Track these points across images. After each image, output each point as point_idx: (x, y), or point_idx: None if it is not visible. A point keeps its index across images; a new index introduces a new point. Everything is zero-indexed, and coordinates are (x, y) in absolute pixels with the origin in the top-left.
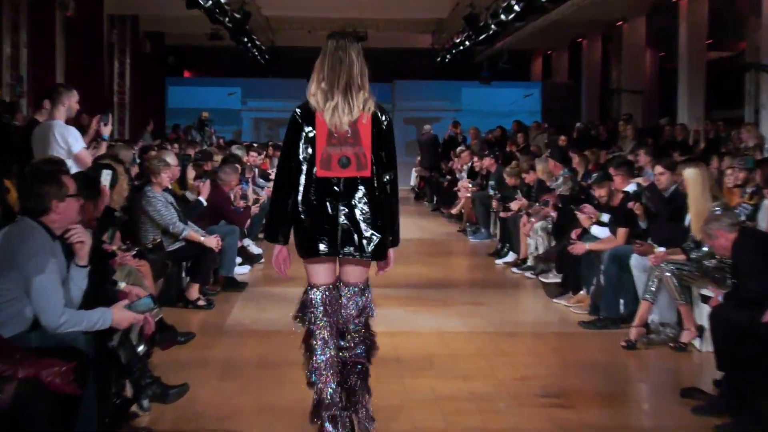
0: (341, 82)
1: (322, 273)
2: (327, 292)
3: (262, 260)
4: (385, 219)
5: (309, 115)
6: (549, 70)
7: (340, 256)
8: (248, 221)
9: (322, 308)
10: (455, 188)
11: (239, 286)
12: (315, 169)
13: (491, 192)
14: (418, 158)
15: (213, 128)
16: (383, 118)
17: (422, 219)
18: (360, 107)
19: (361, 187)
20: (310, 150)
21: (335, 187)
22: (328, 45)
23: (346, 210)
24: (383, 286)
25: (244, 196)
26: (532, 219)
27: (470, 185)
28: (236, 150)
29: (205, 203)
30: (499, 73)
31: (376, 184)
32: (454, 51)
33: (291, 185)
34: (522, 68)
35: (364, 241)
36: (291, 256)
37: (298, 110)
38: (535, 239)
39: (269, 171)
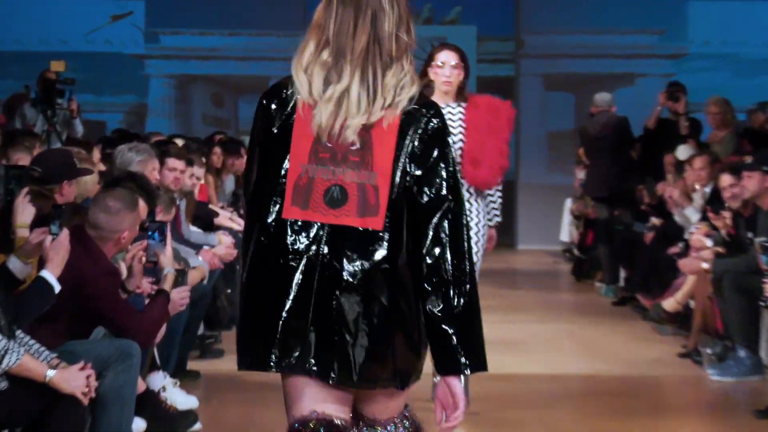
0: (357, 48)
1: (313, 395)
2: None
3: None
4: (448, 321)
5: (286, 105)
6: None
7: (296, 369)
8: (162, 326)
9: None
10: (671, 248)
11: None
12: (280, 204)
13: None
14: (579, 176)
15: (74, 98)
16: (425, 115)
17: (590, 323)
18: (386, 101)
19: (364, 250)
20: (278, 167)
21: (311, 245)
22: None
23: (329, 293)
24: None
25: (152, 263)
26: None
27: (708, 243)
28: (134, 159)
29: (57, 287)
30: None
31: (388, 253)
32: None
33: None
34: None
35: (356, 353)
36: None
37: (267, 93)
38: None
39: (219, 206)
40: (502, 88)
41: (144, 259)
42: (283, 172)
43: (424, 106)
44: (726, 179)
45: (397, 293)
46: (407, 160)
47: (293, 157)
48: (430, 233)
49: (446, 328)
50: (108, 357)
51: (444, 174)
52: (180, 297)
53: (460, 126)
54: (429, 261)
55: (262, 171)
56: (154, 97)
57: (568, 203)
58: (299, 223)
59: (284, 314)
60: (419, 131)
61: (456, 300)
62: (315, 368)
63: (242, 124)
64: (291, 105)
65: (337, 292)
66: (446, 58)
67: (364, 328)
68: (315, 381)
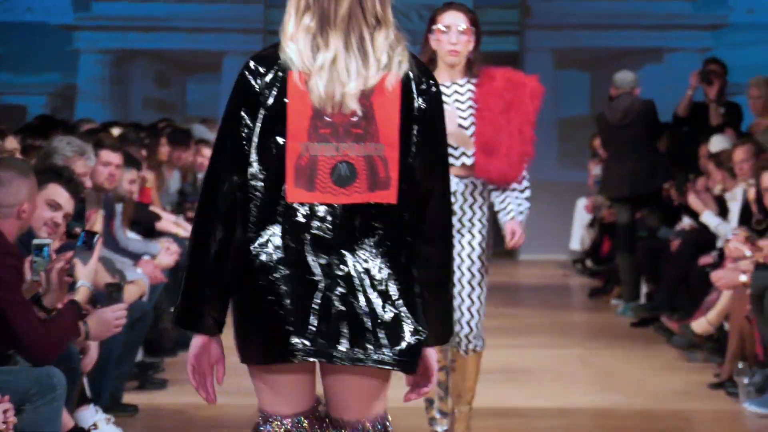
0: (340, 12)
1: (288, 393)
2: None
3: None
4: (428, 289)
5: (276, 76)
6: None
7: (332, 360)
8: (65, 343)
9: None
10: (702, 261)
11: None
12: (284, 188)
13: None
14: (595, 171)
15: None
16: (425, 83)
17: (606, 348)
18: (381, 63)
19: (379, 226)
20: (273, 147)
21: (324, 227)
22: None
23: (346, 272)
24: None
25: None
26: None
27: (747, 252)
28: (63, 147)
29: None
30: None
31: (408, 221)
32: None
33: (230, 216)
34: None
35: (381, 333)
36: (228, 358)
37: (252, 64)
38: None
39: (162, 208)
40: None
41: (60, 267)
42: (275, 151)
43: (421, 71)
44: None
45: (406, 265)
46: (409, 129)
47: (291, 136)
48: (432, 203)
49: (427, 297)
50: (27, 389)
51: (439, 143)
52: (115, 317)
53: (470, 107)
54: (427, 226)
55: (252, 148)
56: (85, 76)
57: (581, 204)
58: (307, 206)
59: (313, 302)
60: (417, 97)
61: (436, 272)
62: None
63: (191, 108)
64: (282, 78)
65: (354, 270)
66: (452, 20)
67: (390, 308)
68: (306, 371)
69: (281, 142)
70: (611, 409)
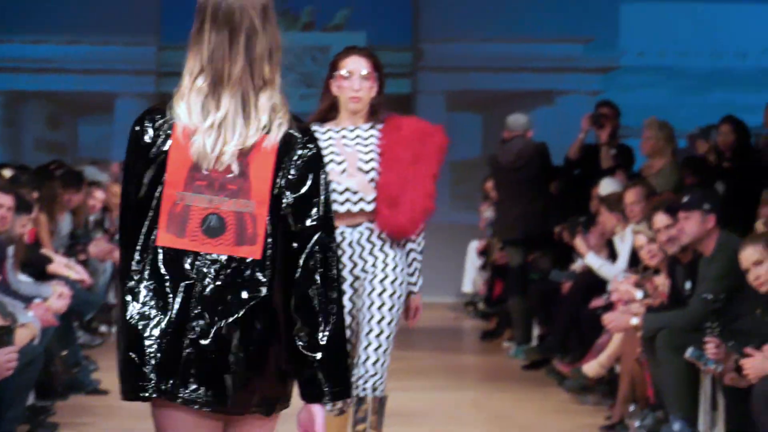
0: (234, 73)
1: (186, 427)
2: None
3: None
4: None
5: (164, 129)
6: None
7: (180, 400)
8: None
9: None
10: (593, 304)
11: None
12: (155, 231)
13: (702, 312)
14: (487, 214)
15: None
16: (300, 140)
17: (498, 390)
18: (261, 123)
19: (240, 280)
20: (155, 194)
21: (189, 273)
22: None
23: (207, 316)
24: None
25: None
26: None
27: (637, 295)
28: None
29: None
30: None
31: (268, 282)
32: None
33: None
34: None
35: (230, 380)
36: None
37: (143, 117)
38: None
39: (53, 251)
40: (397, 108)
41: None
42: (155, 199)
43: (299, 132)
44: (661, 219)
45: (272, 322)
46: (284, 188)
47: (168, 184)
48: (301, 263)
49: (313, 357)
50: None
51: (317, 203)
52: (5, 359)
53: (373, 155)
54: (299, 290)
55: (134, 198)
56: None
57: (473, 247)
58: (174, 251)
59: (163, 343)
60: (294, 158)
61: (323, 330)
62: (191, 396)
63: (83, 150)
64: (167, 130)
65: (216, 320)
66: (354, 66)
67: (240, 355)
68: (188, 410)
69: (159, 190)
70: None
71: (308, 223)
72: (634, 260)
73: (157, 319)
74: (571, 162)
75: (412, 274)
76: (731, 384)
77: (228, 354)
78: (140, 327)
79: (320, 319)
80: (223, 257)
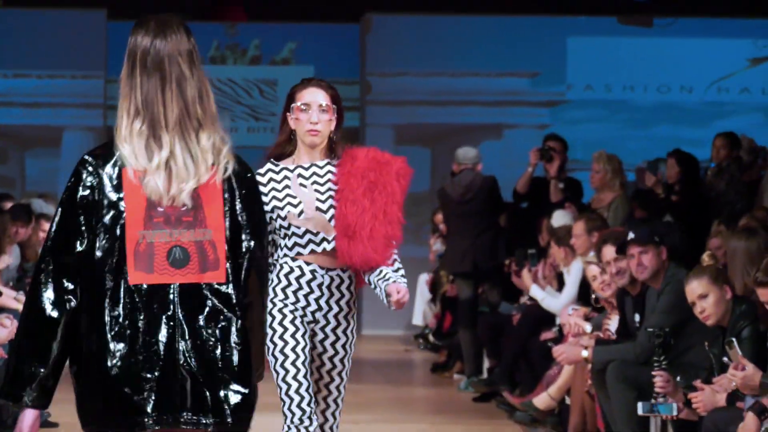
0: (171, 119)
1: None
2: None
3: None
4: (255, 356)
5: (113, 173)
6: None
7: (180, 425)
8: None
9: None
10: (544, 336)
11: None
12: (125, 270)
13: (650, 346)
14: (436, 247)
15: None
16: (244, 177)
17: (448, 422)
18: (208, 162)
19: (210, 302)
20: (111, 235)
21: (165, 305)
22: (137, 44)
23: (189, 343)
24: None
25: None
26: None
27: (587, 327)
28: None
29: None
30: None
31: (235, 296)
32: None
33: (63, 295)
34: None
35: (221, 398)
36: None
37: (88, 160)
38: None
39: (6, 288)
40: (344, 141)
41: None
42: (117, 240)
43: (239, 166)
44: (610, 252)
45: (243, 339)
46: (233, 214)
47: (129, 225)
48: (243, 275)
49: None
50: None
51: (255, 226)
52: None
53: (330, 190)
54: (244, 301)
55: (88, 241)
56: None
57: (423, 279)
58: (145, 287)
59: (155, 374)
60: (238, 189)
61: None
62: (191, 418)
63: (30, 184)
64: (118, 174)
65: (198, 345)
66: (312, 98)
67: (219, 373)
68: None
69: (119, 232)
70: None
71: (249, 245)
72: (585, 292)
73: (146, 354)
74: (519, 195)
75: (384, 275)
76: (683, 417)
77: (210, 368)
78: (129, 364)
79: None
80: (191, 285)
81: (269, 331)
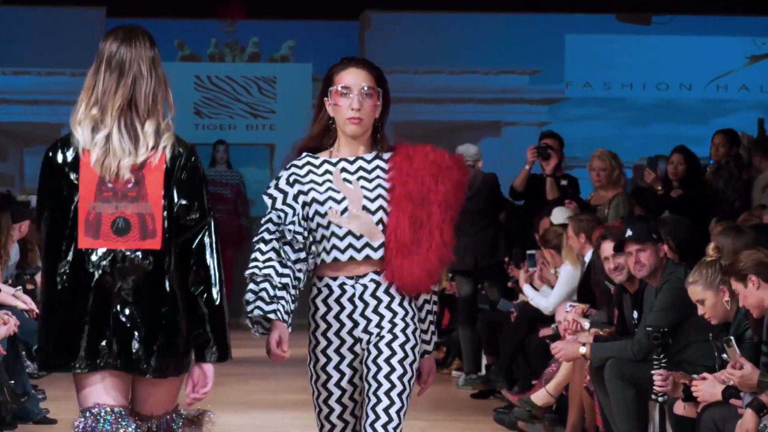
0: (115, 106)
1: (102, 391)
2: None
3: None
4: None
5: (75, 156)
6: None
7: (101, 365)
8: None
9: None
10: (542, 333)
11: None
12: (76, 236)
13: (649, 343)
14: None
15: None
16: (184, 155)
17: (447, 420)
18: (149, 145)
19: (147, 266)
20: (71, 207)
21: (105, 267)
22: (105, 48)
23: (122, 301)
24: None
25: None
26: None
27: (585, 324)
28: None
29: None
30: None
31: (169, 262)
32: None
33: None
34: None
35: (141, 348)
36: None
37: (56, 145)
38: None
39: (5, 285)
40: None
41: None
42: (72, 211)
43: (182, 148)
44: (608, 248)
45: (172, 298)
46: (174, 192)
47: (82, 198)
48: (194, 248)
49: (206, 324)
50: None
51: (198, 204)
52: None
53: (380, 190)
54: (194, 270)
55: (57, 213)
56: None
57: None
58: (93, 252)
59: (86, 325)
60: (180, 169)
61: (213, 301)
62: (111, 363)
63: (29, 181)
64: (76, 156)
65: (128, 302)
66: (353, 80)
67: (147, 328)
68: (104, 376)
69: (74, 203)
70: None
71: (195, 218)
72: (584, 291)
73: (82, 306)
74: (516, 193)
75: (425, 332)
76: (682, 414)
77: (136, 328)
78: (68, 311)
79: (212, 292)
80: (131, 251)
81: (311, 374)
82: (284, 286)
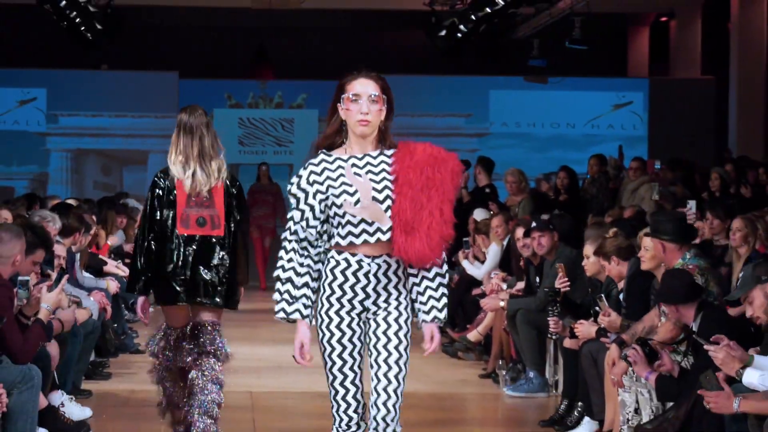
0: (194, 154)
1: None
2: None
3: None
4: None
5: (171, 181)
6: (663, 54)
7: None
8: (37, 347)
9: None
10: (474, 292)
11: None
12: (176, 228)
13: (546, 299)
14: None
15: None
16: (233, 184)
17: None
18: (214, 176)
19: (216, 243)
20: (171, 212)
21: (191, 245)
22: (181, 120)
23: (199, 267)
24: None
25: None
26: (630, 352)
27: (504, 286)
28: (39, 217)
29: None
30: (563, 60)
31: (228, 242)
32: (473, 17)
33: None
34: (611, 50)
35: (211, 290)
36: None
37: (159, 174)
38: (634, 394)
39: (107, 256)
40: None
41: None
42: (172, 214)
43: (230, 179)
44: (520, 233)
45: (232, 258)
46: (229, 204)
47: (179, 205)
48: (238, 236)
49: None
50: (14, 379)
51: (241, 213)
52: (69, 318)
53: (386, 180)
54: (236, 249)
55: (162, 216)
56: (54, 167)
57: None
58: (185, 235)
59: (181, 277)
60: (230, 190)
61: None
62: (200, 300)
63: (126, 188)
64: (172, 182)
65: (204, 265)
66: (362, 88)
67: (218, 281)
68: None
69: (174, 209)
70: (413, 392)
71: (238, 221)
72: (503, 264)
73: (179, 265)
74: (461, 203)
75: (438, 299)
76: (568, 347)
77: (209, 282)
78: (169, 270)
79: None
80: (207, 236)
81: (319, 333)
82: (304, 285)
